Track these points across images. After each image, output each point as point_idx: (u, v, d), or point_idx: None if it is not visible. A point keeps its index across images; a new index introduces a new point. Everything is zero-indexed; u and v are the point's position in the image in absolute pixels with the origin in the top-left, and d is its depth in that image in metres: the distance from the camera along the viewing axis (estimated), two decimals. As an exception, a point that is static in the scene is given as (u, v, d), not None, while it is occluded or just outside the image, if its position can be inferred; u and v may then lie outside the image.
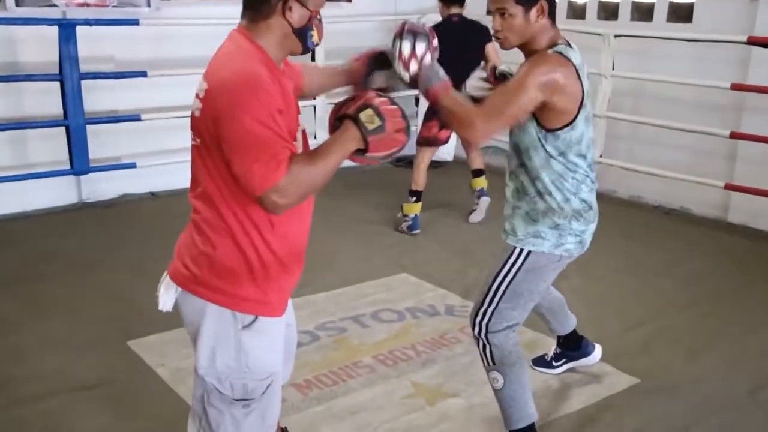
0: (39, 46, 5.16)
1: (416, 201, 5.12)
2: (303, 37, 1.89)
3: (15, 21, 5.03)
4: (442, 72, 2.27)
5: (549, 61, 2.35)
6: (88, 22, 5.12)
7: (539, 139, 2.45)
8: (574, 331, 3.21)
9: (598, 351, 3.26)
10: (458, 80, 5.16)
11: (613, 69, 5.66)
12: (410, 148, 6.97)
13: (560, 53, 2.38)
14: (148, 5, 5.55)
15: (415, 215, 5.12)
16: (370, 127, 1.81)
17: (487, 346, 2.67)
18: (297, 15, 1.86)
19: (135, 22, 5.31)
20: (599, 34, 5.63)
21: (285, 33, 1.87)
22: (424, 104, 6.35)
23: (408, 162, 6.94)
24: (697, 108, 5.45)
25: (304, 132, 1.98)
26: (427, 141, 5.18)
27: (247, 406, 1.95)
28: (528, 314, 2.74)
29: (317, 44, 1.94)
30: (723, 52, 5.22)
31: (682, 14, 5.61)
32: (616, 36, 5.61)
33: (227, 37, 1.92)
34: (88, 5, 5.31)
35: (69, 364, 3.32)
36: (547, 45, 2.41)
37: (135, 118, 5.49)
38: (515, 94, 2.31)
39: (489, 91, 2.65)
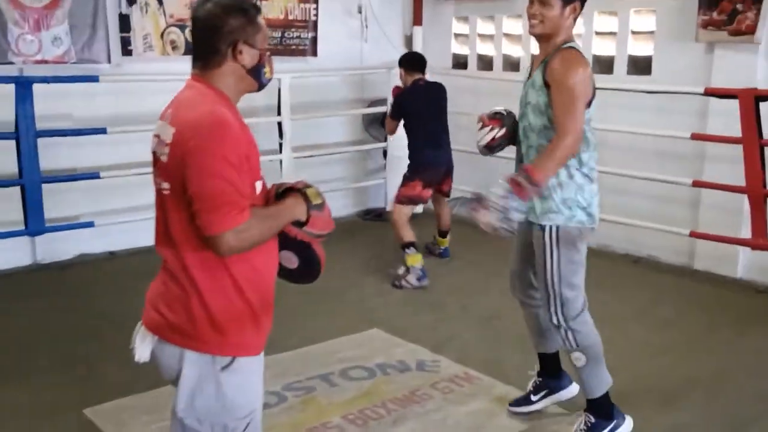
0: (-6, 104, 5.04)
1: (416, 252, 5.05)
2: (257, 76, 1.97)
3: (-30, 79, 4.89)
4: (501, 187, 2.66)
5: (577, 58, 2.78)
6: (45, 80, 5.00)
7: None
8: (556, 357, 3.26)
9: (575, 387, 3.29)
10: (432, 135, 5.30)
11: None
12: (377, 201, 7.06)
13: (574, 48, 2.80)
14: (108, 61, 5.48)
15: (422, 265, 5.04)
16: (315, 202, 2.00)
17: (569, 332, 2.92)
18: (248, 56, 1.93)
19: (95, 79, 5.21)
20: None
21: (240, 75, 1.94)
22: (395, 159, 6.35)
23: (376, 215, 6.90)
24: (661, 157, 5.51)
25: (263, 183, 2.01)
26: (409, 200, 5.18)
27: None
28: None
29: (270, 79, 2.02)
30: (682, 103, 5.31)
31: (641, 66, 5.72)
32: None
33: (185, 86, 1.98)
34: (46, 62, 5.22)
35: (21, 435, 3.14)
36: (563, 41, 2.79)
37: (94, 175, 5.35)
38: (573, 104, 2.74)
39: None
